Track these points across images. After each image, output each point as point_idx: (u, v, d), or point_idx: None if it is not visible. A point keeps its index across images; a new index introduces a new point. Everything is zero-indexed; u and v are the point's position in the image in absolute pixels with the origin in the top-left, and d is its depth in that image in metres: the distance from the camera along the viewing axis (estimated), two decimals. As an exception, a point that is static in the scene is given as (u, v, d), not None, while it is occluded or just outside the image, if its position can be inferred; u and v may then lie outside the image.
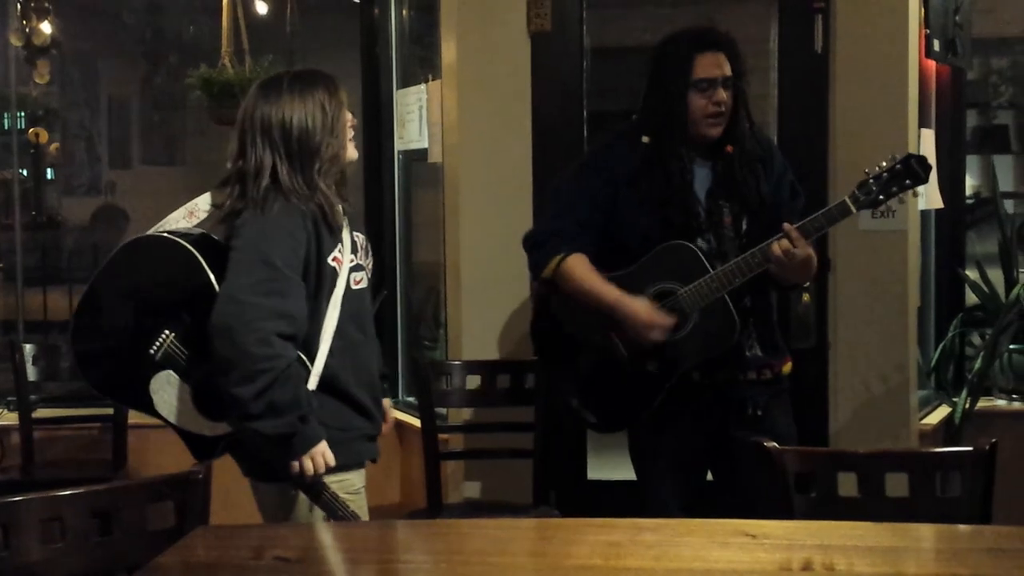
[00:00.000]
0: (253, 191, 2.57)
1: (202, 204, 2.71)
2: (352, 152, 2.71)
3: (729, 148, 3.05)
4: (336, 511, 2.56)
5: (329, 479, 2.57)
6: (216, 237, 2.66)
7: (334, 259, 2.62)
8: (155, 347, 2.57)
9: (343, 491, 2.62)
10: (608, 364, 3.10)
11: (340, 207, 2.65)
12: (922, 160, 2.93)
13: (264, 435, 2.49)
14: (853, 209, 2.91)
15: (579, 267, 3.08)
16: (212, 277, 2.54)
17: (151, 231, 2.69)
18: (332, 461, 2.55)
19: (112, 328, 2.62)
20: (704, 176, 3.07)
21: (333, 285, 2.61)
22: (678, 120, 3.02)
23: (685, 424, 3.11)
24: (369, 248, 2.78)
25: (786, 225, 2.90)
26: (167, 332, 2.57)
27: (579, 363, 3.19)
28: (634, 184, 3.07)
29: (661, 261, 3.03)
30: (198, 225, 2.70)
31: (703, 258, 2.99)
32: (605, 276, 3.09)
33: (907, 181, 2.91)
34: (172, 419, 2.60)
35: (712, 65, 3.00)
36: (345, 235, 2.65)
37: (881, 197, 2.91)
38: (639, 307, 3.00)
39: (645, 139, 3.08)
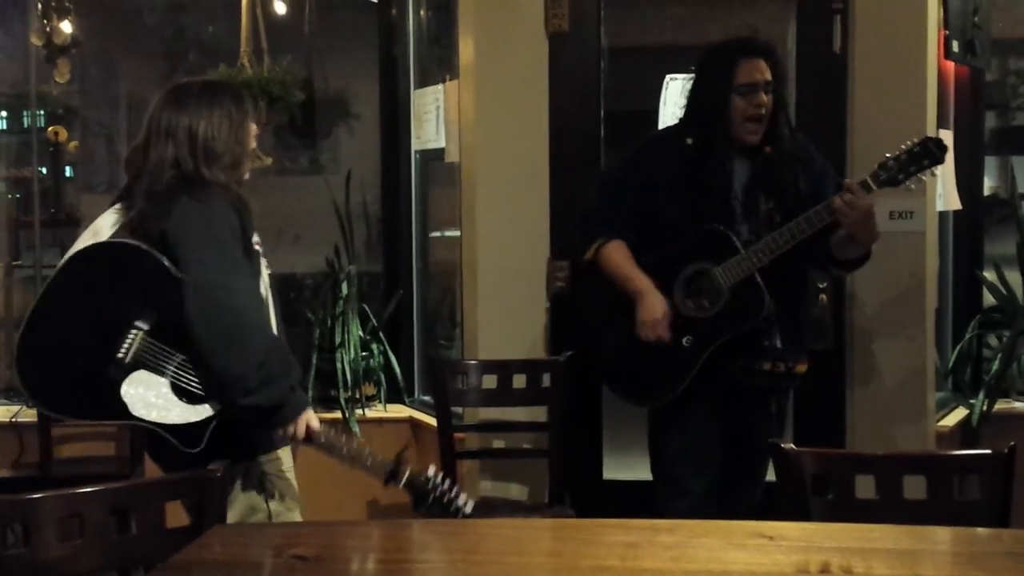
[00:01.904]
0: (157, 186, 2.60)
1: (104, 223, 2.69)
2: (250, 166, 2.76)
3: (768, 149, 3.22)
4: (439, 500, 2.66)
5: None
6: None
7: (256, 243, 2.69)
8: (124, 350, 2.55)
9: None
10: (644, 341, 3.25)
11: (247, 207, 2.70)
12: (939, 142, 3.10)
13: (260, 408, 2.54)
14: (873, 186, 3.08)
15: (617, 253, 3.32)
16: (166, 261, 2.54)
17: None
18: (317, 425, 2.64)
19: (69, 345, 2.58)
20: (743, 173, 3.25)
21: (259, 266, 2.69)
22: (720, 121, 3.19)
23: (702, 413, 3.26)
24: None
25: (847, 180, 3.10)
26: (134, 332, 2.56)
27: (615, 337, 3.35)
28: (675, 184, 3.24)
29: (696, 245, 3.21)
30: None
31: (735, 241, 3.16)
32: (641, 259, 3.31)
33: (925, 161, 3.08)
34: (157, 418, 2.57)
35: (754, 70, 3.18)
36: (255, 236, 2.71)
37: (901, 176, 3.08)
38: (657, 306, 3.22)
39: (689, 141, 3.25)
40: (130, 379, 2.56)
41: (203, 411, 2.59)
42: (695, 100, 3.30)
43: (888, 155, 3.10)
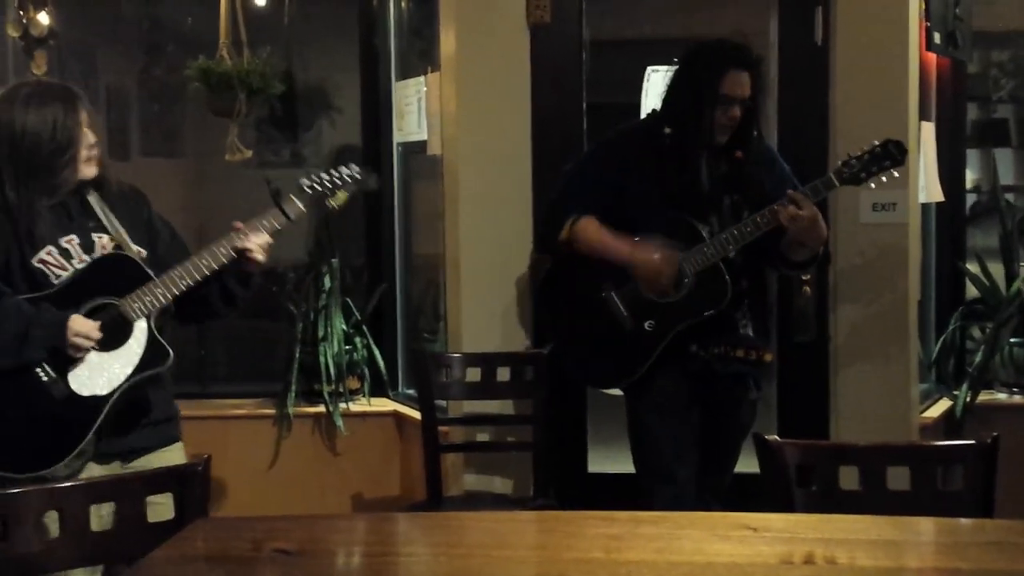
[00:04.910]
0: None
1: None
2: (86, 171, 2.67)
3: (739, 154, 3.30)
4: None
5: None
6: None
7: (40, 261, 2.61)
8: (41, 372, 2.57)
9: None
10: (607, 325, 3.35)
11: (45, 220, 2.63)
12: (899, 144, 3.23)
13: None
14: (836, 183, 3.22)
15: (591, 226, 3.35)
16: None
17: None
18: (93, 329, 2.56)
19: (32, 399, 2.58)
20: (712, 170, 3.30)
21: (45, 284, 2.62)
22: (697, 123, 3.24)
23: (682, 400, 3.32)
24: (99, 248, 2.70)
25: (790, 191, 3.17)
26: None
27: (579, 325, 3.44)
28: (647, 172, 3.29)
29: (664, 233, 3.27)
30: None
31: (701, 230, 3.25)
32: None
33: (886, 162, 3.22)
34: (123, 371, 2.59)
35: (737, 84, 3.23)
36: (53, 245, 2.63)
37: (863, 175, 3.21)
38: (653, 252, 3.26)
39: (667, 130, 3.29)
40: (74, 379, 2.56)
41: (141, 328, 2.60)
42: (677, 94, 3.31)
43: (851, 154, 3.22)
